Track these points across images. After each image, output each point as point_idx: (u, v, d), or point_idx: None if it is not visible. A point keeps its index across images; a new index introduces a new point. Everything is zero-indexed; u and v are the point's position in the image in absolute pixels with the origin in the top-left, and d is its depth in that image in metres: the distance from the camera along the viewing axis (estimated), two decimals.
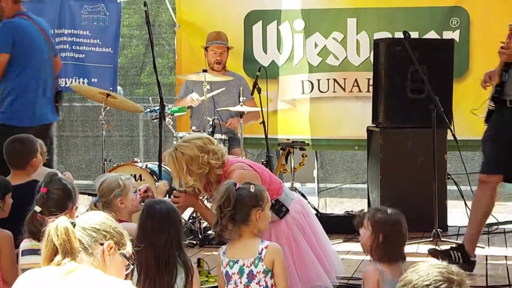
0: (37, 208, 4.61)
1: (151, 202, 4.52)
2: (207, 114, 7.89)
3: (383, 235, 4.37)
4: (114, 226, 3.09)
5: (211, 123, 7.87)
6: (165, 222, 4.32)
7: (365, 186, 9.07)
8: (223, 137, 7.91)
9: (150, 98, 8.04)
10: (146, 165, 7.77)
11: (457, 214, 8.19)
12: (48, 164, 6.91)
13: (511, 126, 6.30)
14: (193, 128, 8.02)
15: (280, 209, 5.27)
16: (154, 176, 7.53)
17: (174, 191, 5.38)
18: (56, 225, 2.96)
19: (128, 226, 4.85)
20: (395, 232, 4.43)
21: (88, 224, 3.02)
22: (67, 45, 9.31)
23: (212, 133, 7.73)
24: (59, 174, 4.80)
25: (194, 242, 7.46)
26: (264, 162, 7.72)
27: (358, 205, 9.31)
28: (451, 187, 8.15)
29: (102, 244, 3.01)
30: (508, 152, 6.31)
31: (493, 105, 6.40)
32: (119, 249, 3.06)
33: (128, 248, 3.10)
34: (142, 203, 5.18)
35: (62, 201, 4.65)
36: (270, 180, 5.30)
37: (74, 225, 2.99)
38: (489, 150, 6.44)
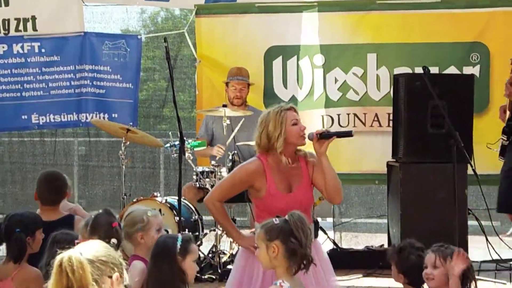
0: None
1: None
2: (227, 149, 7.95)
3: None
4: (117, 256, 3.10)
5: (230, 157, 7.89)
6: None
7: (380, 220, 8.96)
8: None
9: (170, 132, 8.08)
10: (166, 200, 7.80)
11: (478, 249, 8.12)
12: None
13: None
14: (213, 162, 8.07)
15: None
16: (174, 211, 7.56)
17: None
18: (71, 260, 2.96)
19: (138, 266, 4.87)
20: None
21: (95, 257, 3.02)
22: (88, 81, 9.40)
23: (232, 168, 7.70)
24: None
25: (214, 277, 7.47)
26: None
27: (373, 239, 9.25)
28: (472, 222, 8.06)
29: (110, 277, 3.03)
30: None
31: (506, 139, 6.39)
32: (121, 279, 3.09)
33: (127, 279, 3.12)
34: None
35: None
36: None
37: (83, 256, 2.99)
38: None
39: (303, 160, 5.19)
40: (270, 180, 5.06)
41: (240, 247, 5.20)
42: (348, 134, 5.24)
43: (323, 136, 5.12)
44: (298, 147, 5.21)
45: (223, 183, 5.26)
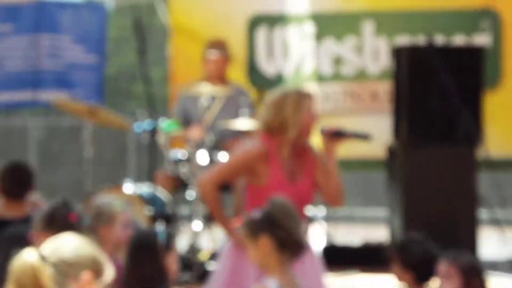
0: None
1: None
2: (206, 131, 7.69)
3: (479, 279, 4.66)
4: (90, 253, 3.06)
5: (209, 140, 7.57)
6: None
7: (379, 211, 8.80)
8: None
9: (140, 112, 7.87)
10: (137, 189, 7.56)
11: (492, 243, 7.89)
12: None
13: None
14: (189, 146, 7.66)
15: None
16: (145, 202, 7.35)
17: None
18: (23, 265, 2.94)
19: None
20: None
21: (60, 259, 2.97)
22: (46, 53, 9.02)
23: (211, 153, 7.47)
24: None
25: (192, 278, 7.09)
26: None
27: (371, 232, 9.21)
28: (484, 213, 7.77)
29: (78, 277, 3.00)
30: None
31: None
32: (98, 277, 3.04)
33: (108, 274, 3.08)
34: None
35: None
36: None
37: (44, 259, 2.95)
38: None
39: (308, 153, 5.16)
40: (275, 166, 5.04)
41: (226, 245, 5.14)
42: (366, 136, 5.37)
43: (338, 134, 5.18)
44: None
45: (222, 166, 5.38)
